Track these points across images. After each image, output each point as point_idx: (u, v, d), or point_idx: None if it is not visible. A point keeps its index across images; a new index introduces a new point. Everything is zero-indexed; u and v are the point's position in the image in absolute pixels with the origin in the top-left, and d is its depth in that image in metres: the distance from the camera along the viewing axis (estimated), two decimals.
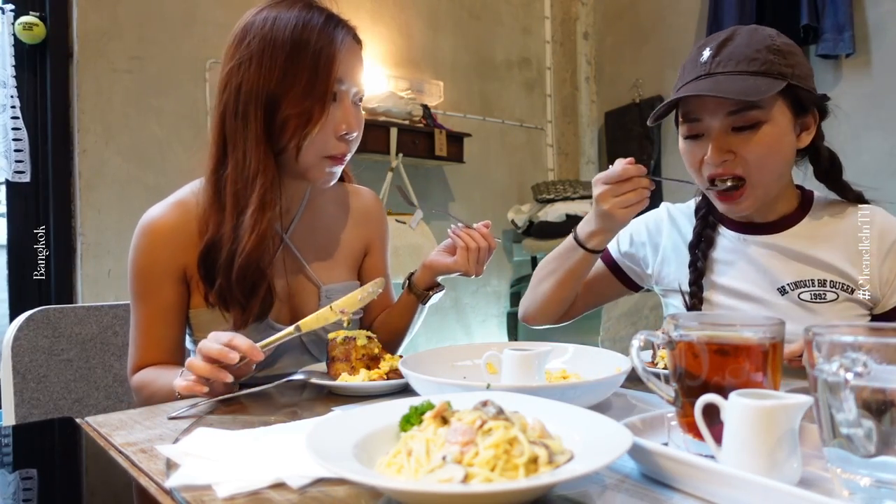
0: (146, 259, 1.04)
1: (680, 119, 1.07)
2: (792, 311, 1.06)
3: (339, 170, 1.07)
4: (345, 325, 0.97)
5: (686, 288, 1.15)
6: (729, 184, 1.02)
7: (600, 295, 1.32)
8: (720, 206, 1.06)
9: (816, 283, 1.06)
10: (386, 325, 1.23)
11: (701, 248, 1.15)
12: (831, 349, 0.48)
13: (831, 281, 1.05)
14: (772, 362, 0.58)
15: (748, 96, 0.95)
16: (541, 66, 3.78)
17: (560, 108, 3.80)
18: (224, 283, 1.00)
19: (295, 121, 0.98)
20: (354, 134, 1.05)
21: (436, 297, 1.19)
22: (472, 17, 3.45)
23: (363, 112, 1.10)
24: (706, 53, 1.00)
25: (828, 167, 1.10)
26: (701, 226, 1.16)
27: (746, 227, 1.13)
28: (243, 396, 0.88)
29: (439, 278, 1.17)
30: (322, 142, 1.01)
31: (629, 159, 1.01)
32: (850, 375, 0.45)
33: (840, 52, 2.63)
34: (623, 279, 1.28)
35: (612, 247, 1.27)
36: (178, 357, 1.07)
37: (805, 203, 1.12)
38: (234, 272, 0.99)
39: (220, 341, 0.85)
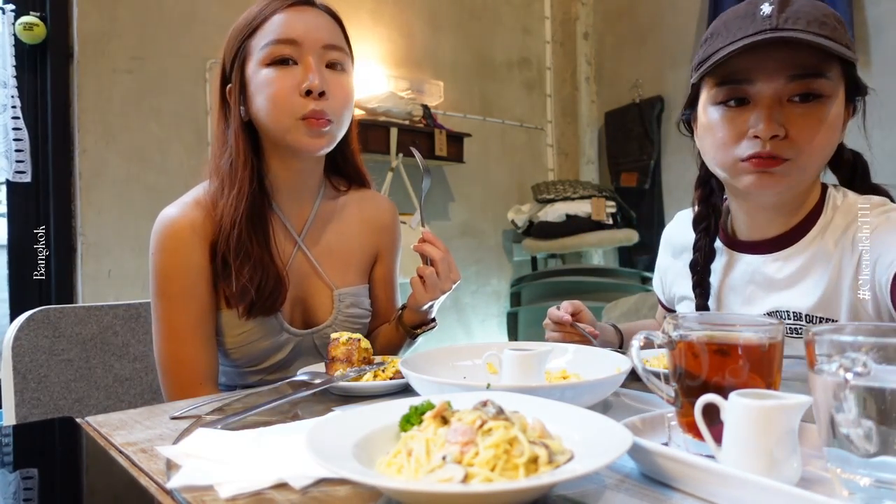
0: (178, 259, 1.00)
1: (711, 83, 0.87)
2: None
3: (321, 132, 1.02)
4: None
5: (691, 294, 1.06)
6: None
7: None
8: (750, 179, 0.86)
9: (791, 315, 0.91)
10: (381, 340, 1.23)
11: (703, 264, 1.02)
12: (831, 349, 0.48)
13: (807, 315, 0.90)
14: (772, 362, 0.58)
15: (835, 51, 0.78)
16: (541, 66, 3.78)
17: (560, 108, 3.80)
18: (232, 269, 1.00)
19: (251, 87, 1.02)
20: (319, 89, 1.00)
21: (421, 338, 1.18)
22: (472, 18, 3.45)
23: (347, 81, 1.06)
24: (767, 8, 0.82)
25: (850, 174, 0.95)
26: (703, 240, 1.02)
27: (746, 246, 0.99)
28: (243, 398, 0.88)
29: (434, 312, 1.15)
30: (287, 102, 1.00)
31: (569, 306, 1.10)
32: (850, 375, 0.45)
33: None
34: None
35: (662, 296, 1.24)
36: (216, 366, 1.04)
37: (813, 215, 0.92)
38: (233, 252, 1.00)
39: None
